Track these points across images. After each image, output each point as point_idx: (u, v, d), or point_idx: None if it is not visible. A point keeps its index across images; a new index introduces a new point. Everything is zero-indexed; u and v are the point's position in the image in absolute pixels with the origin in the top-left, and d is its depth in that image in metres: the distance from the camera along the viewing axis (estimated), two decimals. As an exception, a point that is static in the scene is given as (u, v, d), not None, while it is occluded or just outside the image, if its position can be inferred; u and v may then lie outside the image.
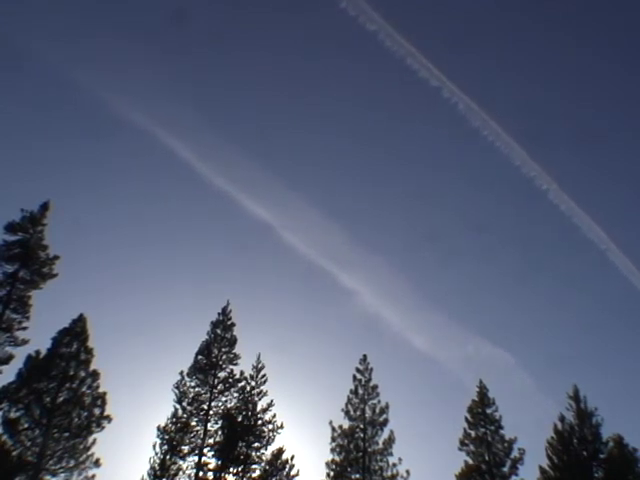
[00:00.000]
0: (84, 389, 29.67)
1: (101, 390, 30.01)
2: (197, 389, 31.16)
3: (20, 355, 28.94)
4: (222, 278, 71.08)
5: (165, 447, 28.84)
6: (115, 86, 76.12)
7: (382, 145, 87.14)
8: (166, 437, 29.15)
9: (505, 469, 31.56)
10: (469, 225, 79.80)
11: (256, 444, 29.46)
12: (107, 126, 74.88)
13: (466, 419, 33.65)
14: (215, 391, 31.18)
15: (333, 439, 31.03)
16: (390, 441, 30.91)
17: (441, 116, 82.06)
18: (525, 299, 76.47)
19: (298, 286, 79.69)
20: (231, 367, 32.07)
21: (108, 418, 29.44)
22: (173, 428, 29.58)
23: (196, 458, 29.11)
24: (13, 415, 27.88)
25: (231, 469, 28.78)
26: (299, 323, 70.54)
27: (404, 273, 77.52)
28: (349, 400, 32.43)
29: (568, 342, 71.53)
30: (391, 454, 30.49)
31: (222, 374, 31.75)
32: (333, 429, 31.27)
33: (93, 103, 78.05)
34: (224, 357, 32.29)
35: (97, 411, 29.37)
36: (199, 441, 29.56)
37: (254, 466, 28.96)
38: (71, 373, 29.73)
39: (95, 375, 30.26)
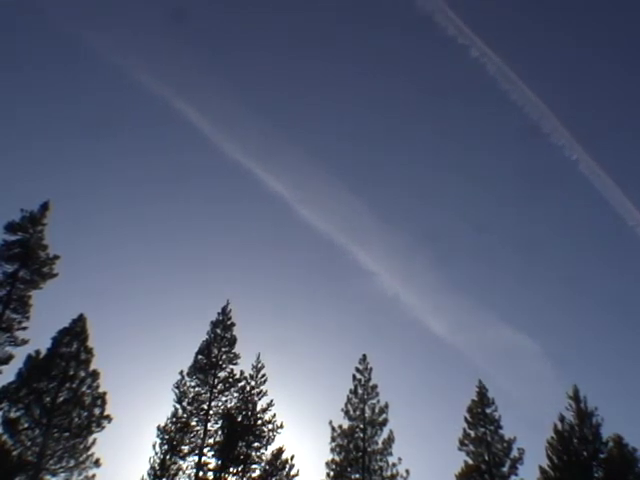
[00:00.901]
0: (84, 389, 29.71)
1: (101, 390, 30.09)
2: (197, 389, 31.18)
3: (20, 355, 29.04)
4: (223, 278, 71.11)
5: (165, 447, 28.83)
6: (114, 85, 76.41)
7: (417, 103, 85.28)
8: (166, 437, 29.16)
9: (505, 469, 31.59)
10: (471, 223, 79.71)
11: (256, 444, 29.46)
12: (107, 126, 74.88)
13: (465, 419, 33.69)
14: (215, 391, 31.18)
15: (333, 439, 31.07)
16: (390, 441, 30.93)
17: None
18: (552, 282, 74.15)
19: (305, 275, 79.27)
20: (231, 367, 32.10)
21: (108, 418, 29.48)
22: (173, 428, 29.59)
23: (196, 458, 29.13)
24: (13, 415, 27.91)
25: (231, 469, 28.78)
26: (301, 321, 70.43)
27: (425, 254, 75.35)
28: (349, 400, 32.47)
29: (594, 329, 70.42)
30: (391, 454, 30.55)
31: (222, 374, 31.76)
32: (333, 429, 31.33)
33: (93, 103, 78.15)
34: (224, 357, 32.30)
35: (97, 411, 29.41)
36: (199, 441, 29.57)
37: (254, 466, 28.97)
38: (71, 373, 29.77)
39: (95, 375, 30.29)
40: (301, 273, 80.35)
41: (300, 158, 74.10)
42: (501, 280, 78.62)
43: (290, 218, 78.06)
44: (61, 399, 29.06)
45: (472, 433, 33.06)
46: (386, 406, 32.06)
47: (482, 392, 34.49)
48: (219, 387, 31.32)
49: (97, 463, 28.41)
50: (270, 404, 30.64)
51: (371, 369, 33.49)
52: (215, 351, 32.39)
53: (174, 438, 29.21)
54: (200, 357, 32.13)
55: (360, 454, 30.57)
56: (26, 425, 27.95)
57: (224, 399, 31.06)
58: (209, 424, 30.20)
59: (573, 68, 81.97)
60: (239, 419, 30.08)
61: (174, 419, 29.88)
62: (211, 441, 29.74)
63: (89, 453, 28.51)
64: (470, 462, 32.16)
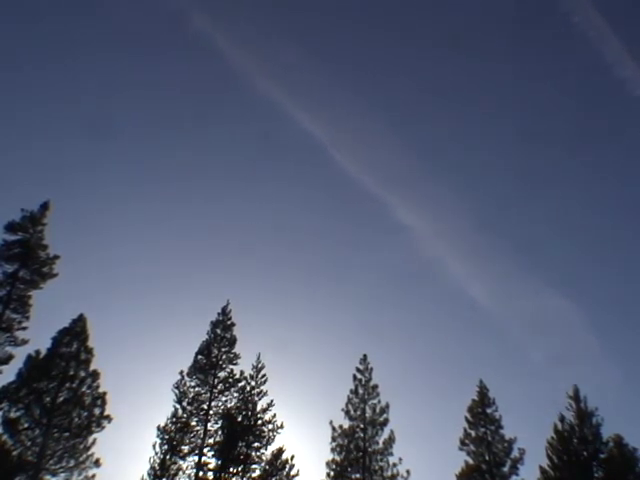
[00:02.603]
0: (84, 389, 29.67)
1: (101, 390, 30.05)
2: (197, 389, 31.14)
3: (20, 355, 28.99)
4: (223, 277, 71.05)
5: (165, 447, 28.79)
6: (113, 83, 76.36)
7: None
8: (166, 437, 29.12)
9: (505, 469, 31.58)
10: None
11: (256, 444, 29.41)
12: (107, 126, 74.77)
13: (466, 419, 33.68)
14: (215, 391, 31.15)
15: (333, 439, 31.04)
16: (390, 441, 30.90)
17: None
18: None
19: (305, 275, 78.73)
20: (231, 367, 32.06)
21: (108, 418, 29.45)
22: (173, 428, 29.55)
23: (196, 458, 29.09)
24: (13, 415, 27.87)
25: (231, 469, 28.74)
26: (301, 321, 70.30)
27: (466, 208, 72.11)
28: (349, 400, 32.44)
29: (594, 329, 69.71)
30: (391, 454, 30.53)
31: (222, 374, 31.73)
32: (333, 429, 31.29)
33: (93, 103, 78.11)
34: (224, 357, 32.26)
35: (97, 411, 29.37)
36: (199, 441, 29.54)
37: (254, 466, 28.92)
38: (71, 373, 29.73)
39: (95, 375, 30.26)
40: (302, 274, 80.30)
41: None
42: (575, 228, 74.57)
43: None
44: (61, 399, 29.02)
45: (473, 433, 33.05)
46: (387, 406, 32.06)
47: (483, 392, 34.48)
48: (219, 387, 31.28)
49: (97, 463, 28.40)
50: (270, 404, 30.61)
51: (372, 369, 33.50)
52: (215, 351, 32.35)
53: (174, 438, 29.17)
54: (200, 357, 32.10)
55: (361, 454, 30.54)
56: (26, 425, 27.91)
57: (224, 399, 31.05)
58: (209, 424, 30.18)
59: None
60: (239, 419, 30.03)
61: (174, 419, 29.84)
62: (211, 441, 29.72)
63: (89, 453, 28.49)
64: (471, 462, 32.15)
